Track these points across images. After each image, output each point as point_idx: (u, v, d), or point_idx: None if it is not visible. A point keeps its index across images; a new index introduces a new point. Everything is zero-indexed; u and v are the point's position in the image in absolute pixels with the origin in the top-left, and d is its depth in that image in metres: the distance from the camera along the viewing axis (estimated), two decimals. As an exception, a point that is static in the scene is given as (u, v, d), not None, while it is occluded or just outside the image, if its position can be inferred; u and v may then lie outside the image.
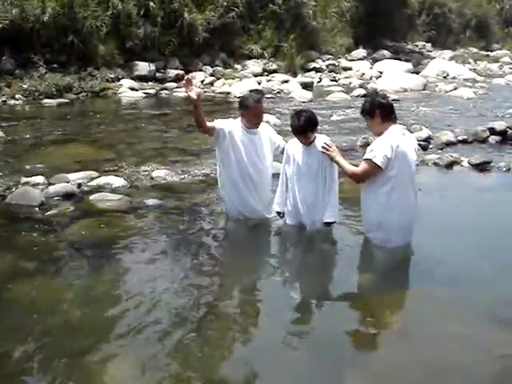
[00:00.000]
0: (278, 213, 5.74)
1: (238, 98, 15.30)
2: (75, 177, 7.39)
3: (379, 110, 5.08)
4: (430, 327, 4.16)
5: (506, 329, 4.22)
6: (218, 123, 5.61)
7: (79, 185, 7.18)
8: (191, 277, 4.94)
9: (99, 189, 7.08)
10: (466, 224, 6.25)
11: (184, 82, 5.37)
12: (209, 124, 5.54)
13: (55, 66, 15.23)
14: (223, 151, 5.68)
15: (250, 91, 5.98)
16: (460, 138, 10.35)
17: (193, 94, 5.27)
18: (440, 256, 5.32)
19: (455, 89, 18.49)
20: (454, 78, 22.36)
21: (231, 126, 5.63)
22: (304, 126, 5.31)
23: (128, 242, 5.65)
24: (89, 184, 7.26)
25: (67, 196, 6.81)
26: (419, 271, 5.17)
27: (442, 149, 9.74)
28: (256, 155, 5.66)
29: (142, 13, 17.80)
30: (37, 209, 6.45)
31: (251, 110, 5.55)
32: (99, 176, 7.50)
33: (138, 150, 9.35)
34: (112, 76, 16.19)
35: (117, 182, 7.30)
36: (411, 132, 7.57)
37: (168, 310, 4.31)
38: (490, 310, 4.43)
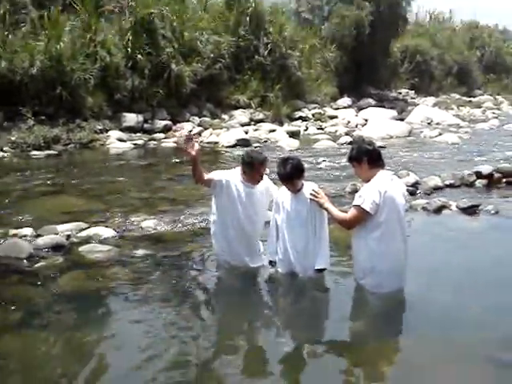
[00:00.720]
0: (270, 262, 5.72)
1: (227, 147, 15.65)
2: (64, 228, 7.34)
3: (366, 157, 5.13)
4: (425, 375, 4.12)
5: (503, 372, 4.19)
6: (215, 175, 5.64)
7: (68, 236, 7.13)
8: (182, 328, 4.87)
9: (88, 240, 7.04)
10: (458, 267, 6.25)
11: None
12: (206, 177, 5.58)
13: (43, 118, 15.24)
14: (219, 201, 5.70)
15: (251, 149, 6.04)
16: (447, 182, 10.44)
17: (192, 151, 5.33)
18: (432, 300, 5.32)
19: (440, 134, 18.76)
20: (438, 123, 22.69)
21: (229, 177, 5.64)
22: (290, 173, 5.34)
23: (118, 293, 5.61)
24: (78, 235, 7.21)
25: (56, 248, 6.75)
26: (412, 316, 5.14)
27: (429, 194, 9.82)
28: (252, 208, 5.68)
29: (129, 65, 18.01)
30: (25, 261, 6.38)
31: (255, 170, 5.58)
32: (88, 227, 7.46)
33: (127, 201, 9.34)
34: (100, 127, 16.22)
35: (106, 232, 7.26)
36: (399, 178, 7.64)
37: (158, 364, 4.23)
38: (486, 352, 4.41)
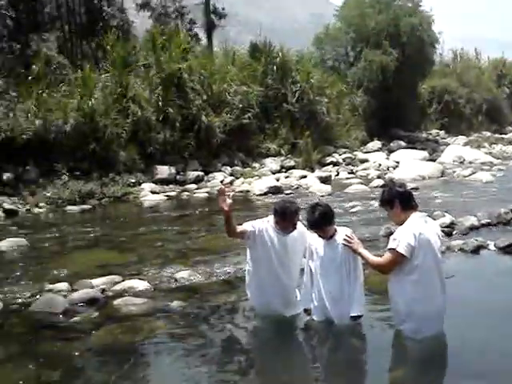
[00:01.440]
0: (305, 309, 5.65)
1: (259, 195, 15.69)
2: (99, 282, 7.38)
3: (398, 199, 5.08)
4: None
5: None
6: (248, 226, 5.63)
7: (103, 290, 7.15)
8: (219, 382, 4.79)
9: (123, 293, 7.05)
10: (498, 311, 6.04)
11: (219, 192, 5.47)
12: (239, 228, 5.58)
13: (78, 173, 15.60)
14: (253, 252, 5.69)
15: (283, 199, 6.01)
16: (483, 221, 10.26)
17: (225, 206, 5.34)
18: (474, 346, 5.17)
19: (473, 173, 18.55)
20: (470, 162, 22.48)
21: (262, 227, 5.63)
22: (319, 220, 5.32)
23: (154, 347, 5.57)
24: (112, 289, 7.23)
25: (91, 302, 6.77)
26: (453, 363, 4.99)
27: (466, 234, 9.64)
28: (286, 256, 5.64)
29: (160, 118, 18.36)
30: (61, 316, 6.40)
31: (288, 220, 5.56)
32: (123, 280, 7.48)
33: (161, 252, 9.37)
34: (133, 180, 16.48)
35: (140, 285, 7.27)
36: (434, 219, 7.52)
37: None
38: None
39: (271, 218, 5.66)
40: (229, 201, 5.37)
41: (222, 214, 5.53)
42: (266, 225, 5.65)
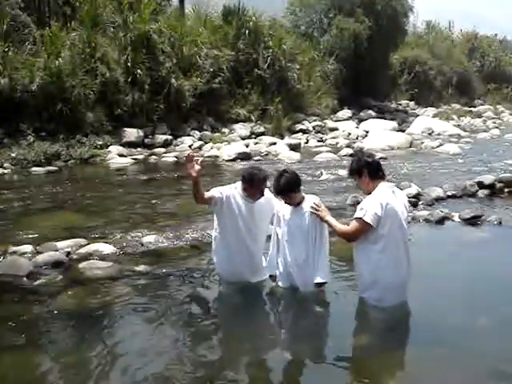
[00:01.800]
0: (271, 276, 5.67)
1: (227, 161, 15.64)
2: (64, 245, 7.29)
3: (367, 169, 5.09)
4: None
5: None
6: (215, 192, 5.58)
7: (68, 253, 7.07)
8: (184, 346, 4.81)
9: (88, 256, 6.98)
10: (461, 279, 6.17)
11: (186, 158, 5.39)
12: (206, 194, 5.52)
13: (43, 134, 15.31)
14: (221, 218, 5.66)
15: (251, 166, 5.97)
16: (449, 193, 10.39)
17: (193, 172, 5.28)
18: (436, 313, 5.26)
19: (441, 145, 18.77)
20: (438, 134, 22.71)
21: (230, 193, 5.59)
22: (284, 187, 5.31)
23: (119, 310, 5.54)
24: (77, 252, 7.15)
25: (56, 264, 6.70)
26: (416, 330, 5.08)
27: (432, 205, 9.75)
28: (253, 223, 5.64)
29: (129, 80, 18.06)
30: (25, 278, 6.33)
31: (255, 187, 5.54)
32: (88, 243, 7.40)
33: (128, 216, 9.29)
34: (100, 143, 16.24)
35: (106, 248, 7.21)
36: (401, 189, 7.58)
37: (159, 382, 4.17)
38: (490, 366, 4.36)
39: (239, 185, 5.63)
40: (197, 167, 5.31)
41: (190, 180, 5.48)
42: (233, 191, 5.62)
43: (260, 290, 5.83)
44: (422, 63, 34.84)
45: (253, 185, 5.52)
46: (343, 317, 5.33)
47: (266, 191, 5.71)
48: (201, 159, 5.51)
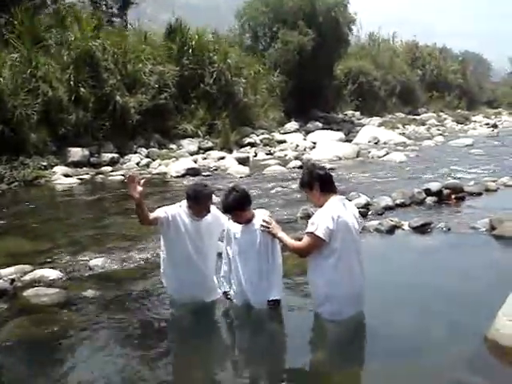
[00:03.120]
0: (225, 292, 5.56)
1: (176, 177, 15.46)
2: (7, 272, 6.99)
3: (318, 183, 5.04)
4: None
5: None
6: (160, 212, 5.45)
7: (12, 280, 6.79)
8: (134, 373, 4.65)
9: (33, 283, 6.71)
10: (415, 287, 6.20)
11: (126, 180, 5.25)
12: (152, 215, 5.38)
13: (-15, 156, 14.83)
14: (167, 238, 5.53)
15: (196, 183, 5.86)
16: (398, 201, 10.49)
17: (135, 194, 5.14)
18: (392, 322, 5.26)
19: (387, 154, 19.04)
20: (384, 143, 23.09)
21: (175, 212, 5.46)
22: (232, 205, 5.23)
23: (67, 339, 5.32)
24: (22, 279, 6.87)
25: (-1, 293, 6.41)
26: (373, 342, 5.04)
27: (381, 214, 9.83)
28: (201, 241, 5.52)
29: (72, 99, 17.72)
30: (-34, 310, 6.03)
31: (201, 204, 5.43)
32: (33, 269, 7.12)
33: (75, 239, 9.04)
34: (45, 164, 15.84)
35: (52, 274, 6.95)
36: (349, 200, 7.60)
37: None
38: (447, 374, 4.36)
39: (184, 203, 5.52)
40: (139, 188, 5.17)
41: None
42: (178, 210, 5.49)
43: (213, 309, 5.71)
44: (366, 73, 35.45)
45: (198, 202, 5.41)
46: (299, 333, 5.24)
47: (213, 208, 5.61)
48: (143, 180, 5.36)
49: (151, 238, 8.19)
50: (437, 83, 43.60)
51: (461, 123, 34.93)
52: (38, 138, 16.31)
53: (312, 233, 4.89)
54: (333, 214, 4.88)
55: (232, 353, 5.18)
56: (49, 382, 4.56)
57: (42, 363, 4.89)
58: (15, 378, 4.67)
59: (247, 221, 5.29)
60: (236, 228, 5.36)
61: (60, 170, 15.90)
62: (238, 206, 5.22)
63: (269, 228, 5.18)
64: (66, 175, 15.67)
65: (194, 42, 22.97)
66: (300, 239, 5.12)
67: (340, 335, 5.12)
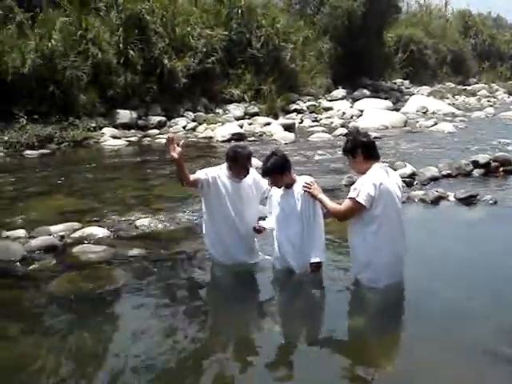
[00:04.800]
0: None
1: (222, 141, 15.56)
2: (57, 229, 7.24)
3: (361, 149, 5.03)
4: (425, 371, 4.05)
5: (503, 365, 4.13)
6: (201, 174, 5.53)
7: (61, 237, 7.03)
8: (180, 329, 4.79)
9: (82, 240, 6.94)
10: (457, 259, 6.19)
11: (167, 140, 5.34)
12: (192, 177, 5.46)
13: (36, 116, 15.11)
14: (208, 200, 5.62)
15: (236, 144, 5.93)
16: (444, 172, 10.36)
17: (175, 154, 5.22)
18: (431, 293, 5.26)
19: (435, 124, 18.69)
20: (433, 113, 22.61)
21: (215, 174, 5.54)
22: (270, 169, 5.27)
23: (114, 294, 5.53)
24: (71, 236, 7.12)
25: (49, 249, 6.63)
26: (411, 311, 5.08)
27: (426, 184, 9.73)
28: (241, 203, 5.59)
29: (121, 61, 17.89)
30: (18, 263, 6.28)
31: (240, 165, 5.50)
32: (82, 227, 7.36)
33: (122, 199, 9.25)
34: (93, 125, 16.09)
35: (100, 232, 7.17)
36: (395, 169, 7.56)
37: (156, 366, 4.17)
38: (485, 346, 4.35)
39: (224, 166, 5.60)
40: (178, 149, 5.25)
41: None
42: (219, 172, 5.57)
43: (254, 272, 5.81)
44: (416, 42, 34.58)
45: (237, 162, 5.48)
46: (338, 299, 5.32)
47: (253, 171, 5.68)
48: (182, 141, 5.44)
49: (196, 200, 8.30)
50: (489, 53, 42.29)
51: (513, 95, 33.93)
52: (88, 99, 16.53)
53: (353, 198, 4.91)
54: (375, 181, 4.89)
55: (271, 317, 5.22)
56: (96, 335, 4.74)
57: (89, 317, 5.07)
58: (64, 331, 4.85)
59: (287, 185, 5.34)
60: (278, 193, 5.42)
61: (108, 131, 16.17)
62: (277, 169, 5.26)
63: (310, 189, 5.22)
64: (114, 137, 15.93)
65: (242, 5, 22.77)
66: (341, 204, 5.15)
67: (378, 303, 5.17)
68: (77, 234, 7.15)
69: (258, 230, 5.59)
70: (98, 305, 5.35)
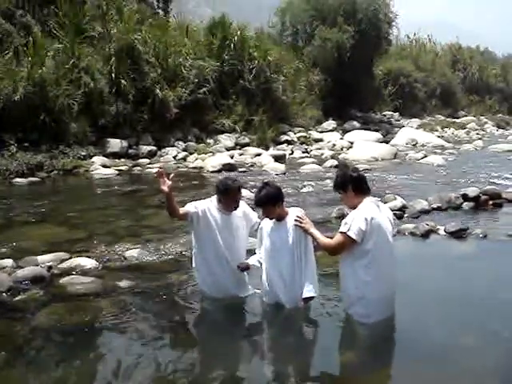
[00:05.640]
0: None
1: (212, 172, 15.56)
2: (45, 259, 7.16)
3: (351, 184, 5.04)
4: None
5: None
6: (190, 207, 5.52)
7: (49, 267, 6.95)
8: (168, 363, 4.71)
9: (70, 271, 6.86)
10: (447, 294, 6.13)
11: (155, 174, 5.34)
12: (181, 210, 5.47)
13: (26, 144, 15.07)
14: (198, 233, 5.60)
15: (226, 176, 5.93)
16: (434, 205, 10.37)
17: (165, 188, 5.23)
18: (423, 329, 5.22)
19: (425, 156, 18.84)
20: (423, 145, 22.81)
21: (205, 207, 5.53)
22: (262, 199, 5.25)
23: (101, 327, 5.45)
24: (59, 266, 7.03)
25: (37, 280, 6.53)
26: (402, 347, 5.02)
27: (417, 217, 9.73)
28: (231, 236, 5.58)
29: (113, 90, 17.96)
30: (4, 294, 6.17)
31: (230, 198, 5.49)
32: (70, 257, 7.29)
33: (111, 229, 9.17)
34: (84, 153, 16.08)
35: (88, 263, 7.09)
36: (385, 202, 7.57)
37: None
38: (479, 383, 4.30)
39: (214, 198, 5.59)
40: (168, 182, 5.25)
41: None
42: (209, 204, 5.56)
43: (244, 306, 5.75)
44: (406, 75, 35.02)
45: (228, 195, 5.47)
46: (329, 334, 5.25)
47: (243, 203, 5.66)
48: (172, 175, 5.44)
49: (186, 232, 8.27)
50: (478, 87, 42.87)
51: (501, 128, 34.33)
52: (79, 128, 16.54)
53: (344, 233, 4.90)
54: (366, 215, 4.88)
55: (261, 352, 5.17)
56: (80, 368, 4.65)
57: (75, 350, 4.98)
58: (48, 363, 4.76)
59: (279, 217, 5.32)
60: (268, 225, 5.40)
61: (99, 160, 16.13)
62: (271, 200, 5.25)
63: (302, 224, 5.20)
64: (105, 166, 15.89)
65: (235, 38, 23.00)
66: (332, 238, 5.13)
67: (369, 338, 5.10)
68: (65, 265, 7.06)
69: (243, 269, 5.56)
70: (84, 338, 5.26)
